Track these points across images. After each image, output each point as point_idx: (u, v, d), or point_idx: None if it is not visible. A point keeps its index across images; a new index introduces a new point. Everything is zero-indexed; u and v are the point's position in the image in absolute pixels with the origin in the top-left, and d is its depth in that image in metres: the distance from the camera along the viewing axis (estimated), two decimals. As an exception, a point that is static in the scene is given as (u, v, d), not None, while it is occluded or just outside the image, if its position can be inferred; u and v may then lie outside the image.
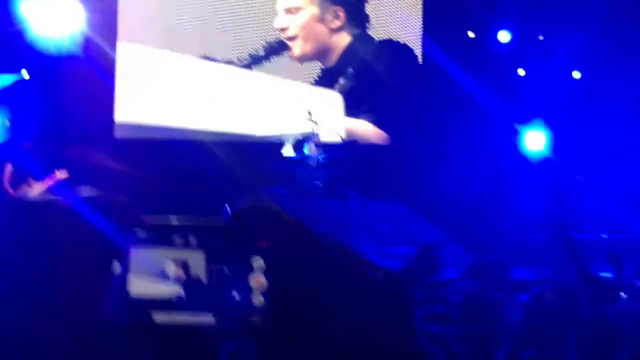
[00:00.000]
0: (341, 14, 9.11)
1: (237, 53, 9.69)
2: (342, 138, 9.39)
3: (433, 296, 3.78)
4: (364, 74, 9.70)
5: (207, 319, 1.10)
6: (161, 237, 1.43)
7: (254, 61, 9.42)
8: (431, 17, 10.52)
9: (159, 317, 1.17)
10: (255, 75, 9.84)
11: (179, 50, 9.64)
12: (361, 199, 9.42)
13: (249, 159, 10.22)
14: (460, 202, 9.63)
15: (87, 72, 9.32)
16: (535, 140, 10.74)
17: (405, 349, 1.98)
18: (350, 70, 9.67)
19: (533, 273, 7.15)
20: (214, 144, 10.20)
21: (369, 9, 9.76)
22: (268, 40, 9.41)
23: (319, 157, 10.00)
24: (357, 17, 9.49)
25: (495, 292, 3.89)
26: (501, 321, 3.31)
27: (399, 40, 10.16)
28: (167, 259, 1.16)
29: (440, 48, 10.34)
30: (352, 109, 9.85)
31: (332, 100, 10.01)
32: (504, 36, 10.83)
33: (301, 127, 10.32)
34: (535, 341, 2.67)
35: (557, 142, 10.69)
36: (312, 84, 9.98)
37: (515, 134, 10.88)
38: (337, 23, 9.16)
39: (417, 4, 10.21)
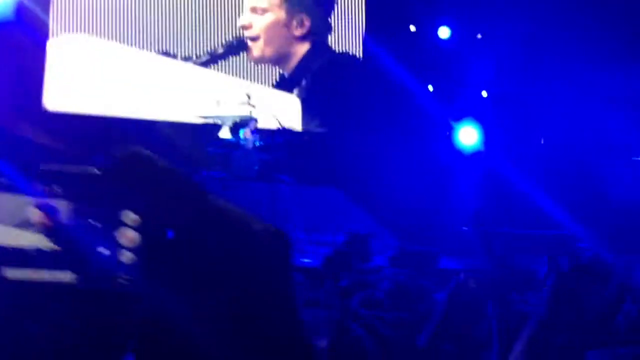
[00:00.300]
0: (307, 22, 9.16)
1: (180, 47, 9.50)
2: (280, 124, 9.36)
3: (363, 281, 3.84)
4: (317, 85, 9.74)
5: (67, 276, 0.99)
6: (25, 184, 1.33)
7: (212, 59, 9.27)
8: (373, 11, 10.64)
9: (12, 273, 1.06)
10: (207, 72, 9.70)
11: (116, 32, 9.43)
12: (295, 185, 9.44)
13: (184, 139, 10.07)
14: (392, 193, 9.75)
15: (19, 40, 8.95)
16: (468, 136, 10.98)
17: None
18: (304, 82, 9.70)
19: (461, 263, 7.32)
20: (148, 122, 10.00)
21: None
22: (228, 39, 9.29)
23: (256, 141, 9.95)
24: (321, 26, 9.48)
25: (421, 280, 3.96)
26: (425, 308, 3.37)
27: (347, 51, 10.20)
28: (29, 207, 1.05)
29: (381, 41, 10.46)
30: (307, 118, 9.88)
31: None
32: (444, 32, 11.01)
33: (239, 111, 10.24)
34: (456, 327, 2.73)
35: (490, 138, 10.96)
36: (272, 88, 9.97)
37: (449, 128, 11.09)
38: (301, 31, 9.18)
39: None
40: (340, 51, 10.20)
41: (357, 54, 10.41)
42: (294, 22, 9.07)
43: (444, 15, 11.02)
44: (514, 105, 11.40)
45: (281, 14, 9.01)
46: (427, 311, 3.13)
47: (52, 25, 9.12)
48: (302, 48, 9.37)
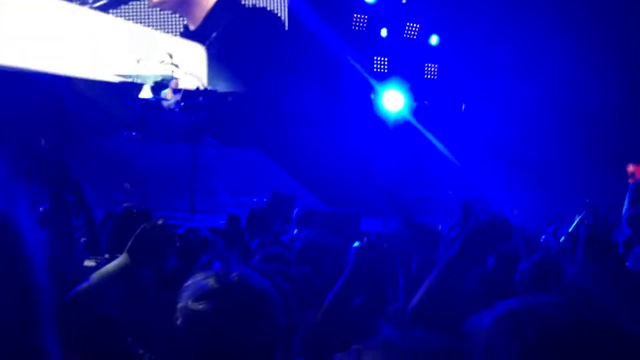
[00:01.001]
0: None
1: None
2: (202, 84, 9.18)
3: (271, 241, 3.83)
4: (229, 39, 9.64)
5: None
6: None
7: (111, 4, 8.97)
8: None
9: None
10: (110, 19, 9.36)
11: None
12: (218, 147, 9.32)
13: (104, 98, 9.75)
14: (316, 156, 9.79)
15: None
16: (393, 101, 11.06)
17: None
18: (215, 34, 9.58)
19: (381, 225, 7.43)
20: (67, 79, 9.63)
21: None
22: None
23: (177, 101, 9.73)
24: None
25: (332, 239, 3.98)
26: (335, 266, 3.40)
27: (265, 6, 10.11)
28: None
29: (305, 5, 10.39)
30: (214, 71, 9.68)
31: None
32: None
33: (160, 70, 9.97)
34: (365, 283, 2.76)
35: (414, 105, 11.11)
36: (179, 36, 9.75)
37: (374, 93, 11.15)
38: None
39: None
40: (253, 4, 10.06)
41: (274, 9, 10.23)
42: None
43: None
44: (437, 71, 11.59)
45: None
46: (337, 271, 3.17)
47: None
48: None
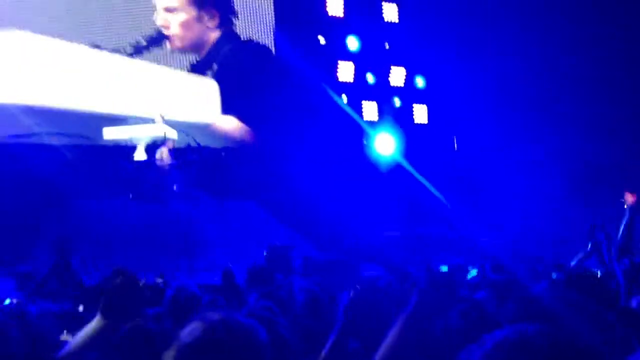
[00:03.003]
0: (216, 14, 9.92)
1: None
2: (195, 141, 9.28)
3: (268, 294, 3.85)
4: (225, 70, 10.15)
5: None
6: None
7: (136, 50, 9.68)
8: (283, 18, 10.82)
9: None
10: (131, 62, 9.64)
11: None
12: (214, 202, 9.37)
13: (97, 161, 9.83)
14: (309, 203, 9.83)
15: None
16: (385, 144, 11.17)
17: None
18: (215, 66, 10.16)
19: (381, 269, 7.43)
20: (60, 146, 9.71)
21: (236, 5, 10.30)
22: (149, 33, 9.75)
23: (172, 160, 9.82)
24: (227, 14, 10.13)
25: (331, 289, 4.00)
26: (334, 315, 3.41)
27: (258, 40, 10.52)
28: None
29: (291, 52, 10.60)
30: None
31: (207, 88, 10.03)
32: (352, 42, 11.22)
33: (153, 131, 10.08)
34: (360, 332, 2.77)
35: (403, 146, 11.21)
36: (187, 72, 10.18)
37: (365, 136, 11.27)
38: (214, 22, 9.93)
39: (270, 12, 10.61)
40: (249, 38, 10.53)
41: (263, 44, 10.60)
42: (205, 16, 9.85)
43: (351, 25, 11.23)
44: (430, 111, 11.73)
45: (192, 11, 9.76)
46: (335, 319, 3.18)
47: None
48: (214, 35, 10.07)
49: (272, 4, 10.70)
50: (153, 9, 9.69)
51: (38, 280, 3.30)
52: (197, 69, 10.11)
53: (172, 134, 10.04)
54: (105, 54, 9.30)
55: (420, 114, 11.82)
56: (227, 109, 9.98)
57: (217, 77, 10.02)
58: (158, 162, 9.79)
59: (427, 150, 11.42)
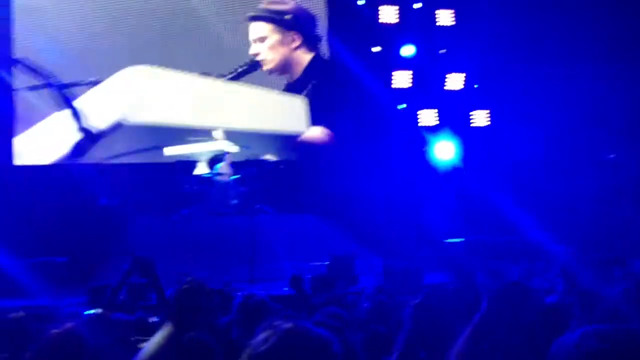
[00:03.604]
0: (296, 37, 11.34)
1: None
2: (254, 155, 9.40)
3: (331, 301, 3.84)
4: (323, 86, 11.35)
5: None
6: None
7: (237, 75, 11.14)
8: (336, 29, 10.96)
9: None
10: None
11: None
12: (275, 214, 9.43)
13: (160, 179, 10.07)
14: (372, 213, 9.79)
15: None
16: (444, 150, 11.06)
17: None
18: (314, 82, 11.35)
19: (446, 277, 7.32)
20: (122, 166, 10.00)
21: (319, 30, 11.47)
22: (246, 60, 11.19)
23: (232, 174, 9.97)
24: (311, 38, 11.48)
25: (400, 297, 3.96)
26: (401, 323, 3.38)
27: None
28: None
29: (348, 61, 10.71)
30: (314, 114, 11.11)
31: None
32: (408, 50, 11.18)
33: (213, 146, 10.28)
34: (426, 338, 2.73)
35: (465, 151, 11.06)
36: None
37: (425, 144, 11.18)
38: (296, 43, 11.37)
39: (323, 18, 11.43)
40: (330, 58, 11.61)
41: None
42: (288, 39, 11.29)
43: (406, 33, 11.22)
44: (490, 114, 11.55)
45: (276, 36, 11.25)
46: (401, 327, 3.15)
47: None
48: (304, 57, 11.46)
49: (325, 15, 11.28)
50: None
51: (108, 294, 3.41)
52: (292, 88, 11.37)
53: (232, 149, 10.22)
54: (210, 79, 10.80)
55: (480, 118, 11.63)
56: (314, 122, 11.07)
57: (310, 96, 11.26)
58: (218, 177, 9.96)
59: (488, 155, 11.23)
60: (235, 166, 9.98)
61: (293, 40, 11.38)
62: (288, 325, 1.49)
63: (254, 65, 11.22)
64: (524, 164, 10.82)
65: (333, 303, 3.84)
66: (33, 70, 9.52)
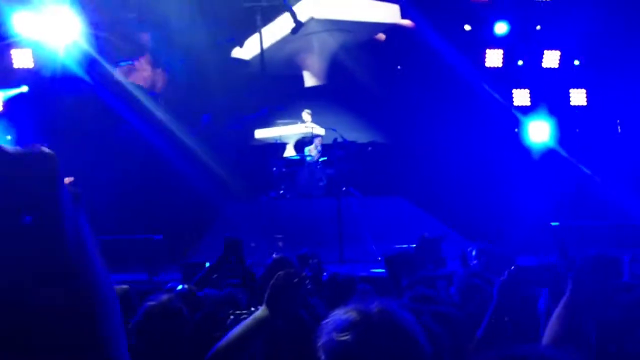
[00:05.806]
0: None
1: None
2: (341, 137, 9.40)
3: (420, 281, 3.78)
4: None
5: None
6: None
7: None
8: (429, 11, 10.72)
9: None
10: None
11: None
12: (362, 197, 9.42)
13: (250, 162, 10.26)
14: (461, 196, 9.60)
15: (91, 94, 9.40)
16: (539, 132, 10.65)
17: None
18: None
19: (536, 261, 7.08)
20: (214, 150, 10.24)
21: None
22: None
23: (320, 157, 10.03)
24: None
25: (488, 278, 3.86)
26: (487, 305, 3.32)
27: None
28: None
29: (439, 41, 10.45)
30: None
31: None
32: (501, 27, 10.80)
33: (302, 129, 10.36)
34: (509, 317, 2.69)
35: (559, 133, 10.63)
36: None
37: (518, 125, 10.82)
38: None
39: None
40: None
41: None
42: None
43: (498, 11, 10.84)
44: (585, 97, 11.05)
45: None
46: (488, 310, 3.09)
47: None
48: None
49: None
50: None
51: (202, 271, 3.53)
52: None
53: (320, 131, 10.27)
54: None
55: (578, 97, 11.11)
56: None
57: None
58: (307, 158, 10.04)
59: (587, 135, 10.73)
60: (323, 148, 10.04)
61: None
62: (374, 306, 1.43)
63: None
64: (627, 143, 10.30)
65: (420, 283, 3.78)
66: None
